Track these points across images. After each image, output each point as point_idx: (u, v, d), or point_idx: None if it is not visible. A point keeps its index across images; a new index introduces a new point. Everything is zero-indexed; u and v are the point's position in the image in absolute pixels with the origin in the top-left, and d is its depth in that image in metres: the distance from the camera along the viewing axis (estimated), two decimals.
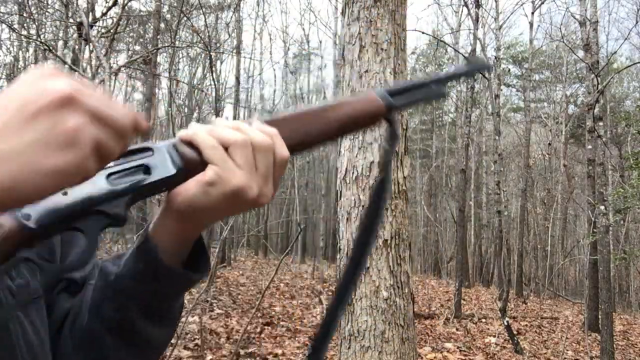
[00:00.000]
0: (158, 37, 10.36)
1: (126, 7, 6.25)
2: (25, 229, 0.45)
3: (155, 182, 0.52)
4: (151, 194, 0.53)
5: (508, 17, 23.25)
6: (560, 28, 12.92)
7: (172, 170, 0.52)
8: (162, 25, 10.93)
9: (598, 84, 8.23)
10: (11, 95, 0.39)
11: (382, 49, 2.65)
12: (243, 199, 0.52)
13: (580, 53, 10.53)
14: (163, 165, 0.52)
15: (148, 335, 0.61)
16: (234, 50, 15.31)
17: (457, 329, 8.49)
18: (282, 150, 0.55)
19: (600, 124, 8.51)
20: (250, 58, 19.01)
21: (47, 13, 8.68)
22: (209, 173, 0.52)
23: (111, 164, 0.50)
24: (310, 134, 0.61)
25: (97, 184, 0.49)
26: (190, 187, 0.53)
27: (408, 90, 0.69)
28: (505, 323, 7.72)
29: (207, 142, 0.52)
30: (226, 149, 0.52)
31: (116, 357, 0.62)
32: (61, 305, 0.65)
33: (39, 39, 7.63)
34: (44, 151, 0.37)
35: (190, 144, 0.53)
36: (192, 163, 0.53)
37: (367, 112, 0.65)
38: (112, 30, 5.90)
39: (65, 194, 0.47)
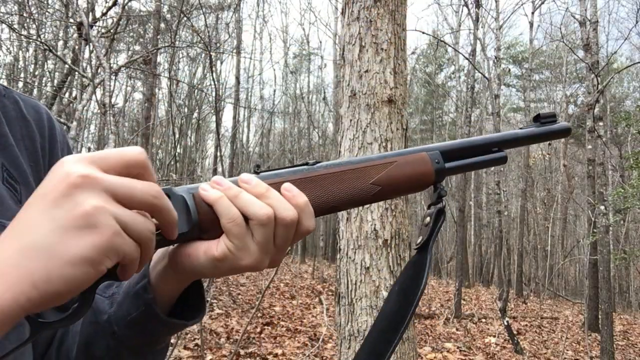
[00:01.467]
0: (158, 37, 10.36)
1: (126, 7, 6.25)
2: None
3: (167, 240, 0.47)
4: (159, 247, 0.49)
5: (508, 17, 23.27)
6: (560, 28, 12.90)
7: (185, 228, 0.48)
8: (162, 25, 10.93)
9: (598, 84, 8.22)
10: (39, 188, 0.38)
11: (382, 49, 2.65)
12: (250, 270, 0.50)
13: (580, 53, 10.53)
14: (178, 219, 0.47)
15: None
16: (234, 50, 15.31)
17: (457, 329, 8.49)
18: (308, 223, 0.50)
19: (600, 124, 8.51)
20: (250, 58, 19.02)
21: (47, 13, 8.68)
22: (221, 248, 0.48)
23: None
24: (343, 199, 0.54)
25: None
26: (199, 257, 0.49)
27: (465, 152, 0.60)
28: (505, 323, 7.72)
29: (229, 214, 0.48)
30: (246, 219, 0.48)
31: None
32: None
33: (39, 39, 7.63)
34: (65, 238, 0.36)
35: (209, 204, 0.48)
36: (206, 223, 0.49)
37: (413, 177, 0.56)
38: (112, 30, 5.90)
39: None
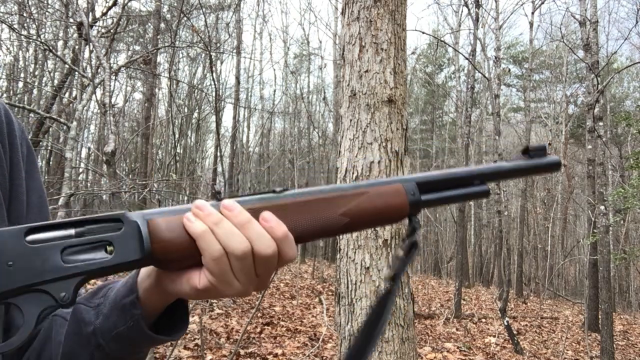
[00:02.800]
0: (158, 37, 10.36)
1: (126, 7, 6.25)
2: None
3: (113, 265, 0.46)
4: (109, 274, 0.48)
5: (508, 17, 23.27)
6: (560, 28, 12.92)
7: (137, 256, 0.47)
8: (162, 25, 10.93)
9: (598, 84, 8.22)
10: None
11: (382, 49, 2.65)
12: (233, 296, 0.50)
13: (580, 53, 10.53)
14: (128, 246, 0.46)
15: None
16: (234, 50, 15.31)
17: (457, 329, 8.49)
18: (290, 253, 0.50)
19: (600, 124, 8.51)
20: (250, 58, 19.02)
21: (47, 13, 8.68)
22: (203, 282, 0.48)
23: (72, 232, 0.46)
24: (310, 230, 0.52)
25: (49, 260, 0.44)
26: (182, 284, 0.49)
27: (444, 184, 0.57)
28: (505, 323, 7.72)
29: (212, 251, 0.47)
30: (227, 252, 0.47)
31: None
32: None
33: (39, 39, 7.63)
34: None
35: (188, 234, 0.47)
36: (160, 253, 0.47)
37: (385, 209, 0.54)
38: (112, 30, 5.90)
39: (10, 265, 0.43)
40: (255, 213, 0.49)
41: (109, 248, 0.47)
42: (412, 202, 0.54)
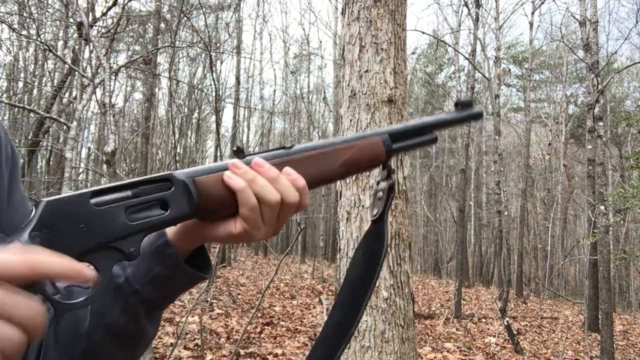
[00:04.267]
0: (158, 37, 10.37)
1: (126, 7, 6.25)
2: None
3: (171, 220, 0.53)
4: (166, 227, 0.54)
5: (508, 17, 23.22)
6: (560, 28, 12.92)
7: (188, 210, 0.53)
8: (162, 25, 10.93)
9: (598, 84, 8.22)
10: None
11: (382, 49, 2.65)
12: (258, 241, 0.58)
13: (580, 53, 10.52)
14: (180, 202, 0.53)
15: (147, 336, 0.62)
16: (234, 50, 15.31)
17: (457, 329, 8.49)
18: (306, 200, 0.58)
19: (600, 124, 8.51)
20: (250, 58, 19.03)
21: (47, 13, 8.68)
22: (238, 228, 0.55)
23: (129, 193, 0.51)
24: (321, 176, 0.61)
25: (117, 219, 0.49)
26: (219, 231, 0.56)
27: (407, 135, 0.68)
28: (505, 323, 7.72)
29: (249, 204, 0.54)
30: (260, 203, 0.54)
31: None
32: None
33: (39, 39, 7.64)
34: None
35: (228, 187, 0.54)
36: (206, 206, 0.54)
37: (369, 156, 0.64)
38: (112, 30, 5.89)
39: (83, 228, 0.47)
40: (278, 168, 0.57)
41: (163, 205, 0.52)
42: (387, 151, 0.65)
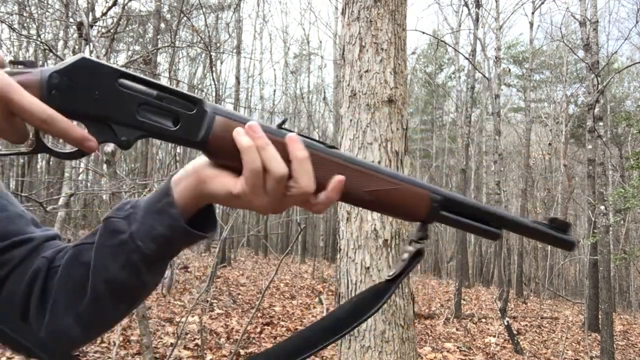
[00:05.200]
0: (158, 37, 10.36)
1: (126, 7, 6.24)
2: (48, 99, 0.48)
3: (174, 137, 0.53)
4: (167, 141, 0.54)
5: (508, 17, 23.28)
6: (560, 28, 12.93)
7: (195, 138, 0.53)
8: (162, 25, 10.93)
9: (598, 84, 8.22)
10: None
11: (382, 49, 2.65)
12: (259, 212, 0.56)
13: (581, 53, 10.52)
14: (192, 128, 0.52)
15: (147, 288, 0.63)
16: (234, 50, 15.31)
17: (457, 329, 8.49)
18: (323, 209, 0.56)
19: (601, 124, 8.51)
20: (250, 58, 19.04)
21: (47, 13, 8.68)
22: (238, 189, 0.53)
23: (154, 93, 0.51)
24: (357, 196, 0.56)
25: (127, 106, 0.50)
26: (218, 186, 0.55)
27: (465, 210, 0.60)
28: (505, 323, 7.72)
29: (252, 166, 0.53)
30: (265, 169, 0.53)
31: (115, 315, 0.64)
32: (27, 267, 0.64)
33: (39, 39, 7.63)
34: None
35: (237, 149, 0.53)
36: (214, 148, 0.53)
37: (406, 208, 0.58)
38: (112, 30, 5.89)
39: (96, 95, 0.49)
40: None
41: (176, 121, 0.52)
42: (431, 212, 0.58)
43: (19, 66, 0.49)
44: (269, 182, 0.53)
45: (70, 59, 0.50)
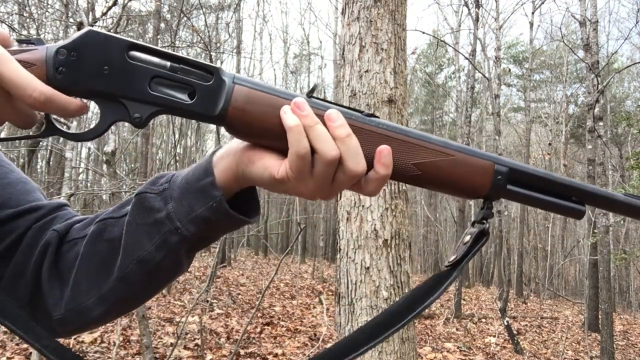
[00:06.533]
0: (158, 37, 10.36)
1: (126, 7, 6.25)
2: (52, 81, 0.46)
3: (190, 111, 0.49)
4: (183, 117, 0.50)
5: (508, 17, 23.26)
6: (560, 28, 12.90)
7: (212, 112, 0.48)
8: (162, 25, 10.93)
9: (598, 84, 8.22)
10: None
11: (382, 49, 2.65)
12: (305, 197, 0.51)
13: (581, 53, 10.53)
14: (209, 100, 0.48)
15: (181, 271, 0.59)
16: (234, 50, 15.31)
17: (457, 329, 8.49)
18: (377, 189, 0.50)
19: (601, 124, 8.51)
20: (250, 58, 19.05)
21: (47, 13, 8.68)
22: (281, 173, 0.49)
23: (167, 64, 0.48)
24: (404, 171, 0.50)
25: (138, 80, 0.47)
26: (261, 169, 0.50)
27: (537, 183, 0.52)
28: (505, 323, 7.72)
29: (298, 147, 0.47)
30: (314, 153, 0.48)
31: (142, 296, 0.61)
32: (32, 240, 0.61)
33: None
34: None
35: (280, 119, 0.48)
36: (235, 121, 0.48)
37: (462, 181, 0.50)
38: (112, 31, 5.89)
39: (105, 70, 0.46)
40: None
41: (192, 94, 0.48)
42: (494, 186, 0.50)
43: (27, 45, 0.47)
44: (318, 166, 0.48)
45: (76, 33, 0.47)
